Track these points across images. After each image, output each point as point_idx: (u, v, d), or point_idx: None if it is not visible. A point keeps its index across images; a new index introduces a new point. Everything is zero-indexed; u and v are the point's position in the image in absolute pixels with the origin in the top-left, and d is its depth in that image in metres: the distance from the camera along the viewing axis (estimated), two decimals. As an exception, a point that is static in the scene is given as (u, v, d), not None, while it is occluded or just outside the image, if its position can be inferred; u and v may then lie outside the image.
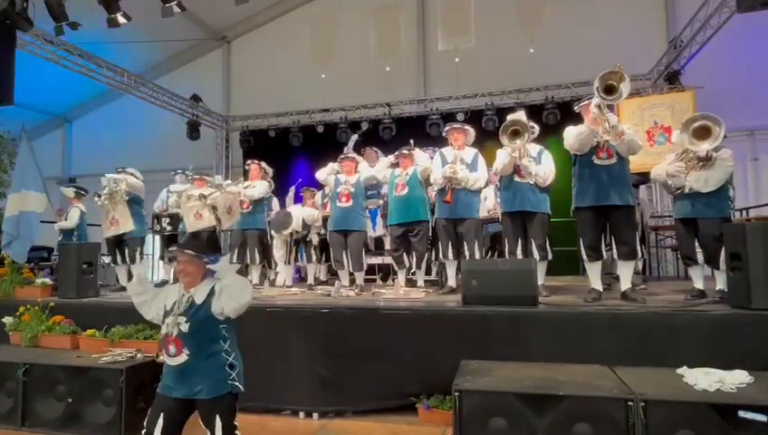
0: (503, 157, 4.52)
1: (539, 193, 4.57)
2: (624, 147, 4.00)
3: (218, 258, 2.71)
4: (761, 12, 5.32)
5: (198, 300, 2.63)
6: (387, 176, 5.62)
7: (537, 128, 4.84)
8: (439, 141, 5.03)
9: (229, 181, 6.23)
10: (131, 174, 6.29)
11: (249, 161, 6.65)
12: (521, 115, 4.54)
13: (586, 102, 4.22)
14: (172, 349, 2.59)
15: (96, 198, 6.04)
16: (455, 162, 4.87)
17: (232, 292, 2.60)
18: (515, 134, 4.33)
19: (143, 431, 2.61)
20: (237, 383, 2.66)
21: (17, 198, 6.06)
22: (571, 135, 4.08)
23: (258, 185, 6.11)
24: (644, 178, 6.09)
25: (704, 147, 3.88)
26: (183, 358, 2.58)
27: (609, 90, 3.71)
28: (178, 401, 2.59)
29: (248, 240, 6.09)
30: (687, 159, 4.07)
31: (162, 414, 2.59)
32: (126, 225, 5.93)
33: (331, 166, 5.79)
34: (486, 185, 6.31)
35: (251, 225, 6.11)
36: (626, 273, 4.14)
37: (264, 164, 6.45)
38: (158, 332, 3.79)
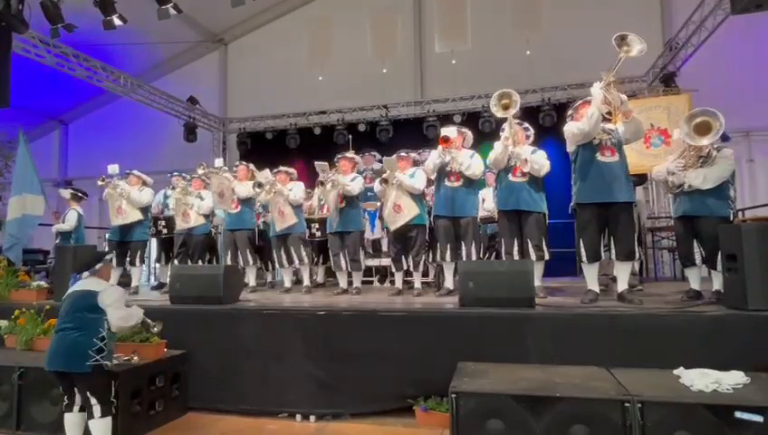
0: (496, 148, 4.54)
1: (534, 193, 4.58)
2: (632, 127, 4.05)
3: (77, 277, 3.46)
4: (756, 13, 5.34)
5: None
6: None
7: (532, 131, 4.84)
8: (437, 144, 5.02)
9: (226, 168, 6.24)
10: (138, 177, 6.30)
11: (237, 162, 6.66)
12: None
13: (581, 102, 4.24)
14: None
15: (100, 181, 6.04)
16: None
17: None
18: (506, 108, 4.40)
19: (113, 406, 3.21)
20: None
21: (18, 202, 6.07)
22: (580, 122, 4.07)
23: (246, 184, 6.10)
24: (640, 179, 6.11)
25: (704, 142, 3.91)
26: None
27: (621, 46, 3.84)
28: None
29: (237, 241, 6.07)
30: (688, 157, 4.09)
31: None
32: (132, 214, 5.96)
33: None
34: (484, 185, 6.35)
35: (240, 225, 6.10)
36: (623, 274, 4.15)
37: (252, 166, 6.43)
38: (153, 335, 3.82)
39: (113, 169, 6.11)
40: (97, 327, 3.18)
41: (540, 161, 4.54)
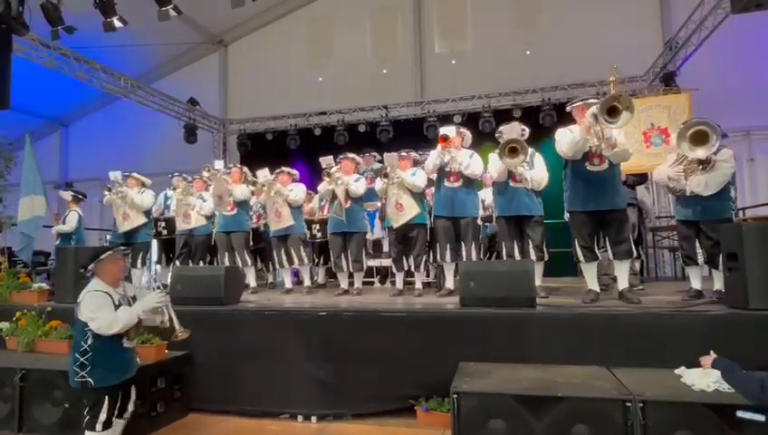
0: (498, 165, 4.53)
1: (534, 197, 4.61)
2: (615, 158, 4.03)
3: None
4: (755, 13, 5.35)
5: (130, 293, 3.31)
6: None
7: (527, 130, 4.83)
8: (437, 144, 5.02)
9: (225, 170, 6.24)
10: (137, 179, 6.31)
11: (231, 165, 6.66)
12: (514, 128, 4.52)
13: (580, 104, 4.21)
14: (133, 334, 3.21)
15: (106, 191, 6.05)
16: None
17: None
18: (513, 151, 4.32)
19: (100, 423, 3.01)
20: None
21: (28, 203, 6.10)
22: (565, 142, 4.07)
23: (241, 187, 6.10)
24: (641, 178, 6.11)
25: (699, 153, 3.87)
26: (136, 340, 3.28)
27: (612, 111, 3.63)
28: (126, 382, 3.16)
29: (234, 243, 6.07)
30: (687, 163, 4.06)
31: (119, 400, 3.12)
32: (137, 218, 5.98)
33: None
34: (481, 186, 6.34)
35: (236, 227, 6.08)
36: (623, 273, 4.17)
37: (245, 169, 6.42)
38: (154, 336, 3.81)
39: (115, 175, 6.11)
40: (79, 341, 3.04)
41: (539, 177, 4.57)
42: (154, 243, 6.89)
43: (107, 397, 3.04)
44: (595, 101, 4.06)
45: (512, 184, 4.58)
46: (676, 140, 3.99)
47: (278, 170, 6.07)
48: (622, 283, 4.15)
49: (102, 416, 3.03)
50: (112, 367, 3.06)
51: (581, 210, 4.11)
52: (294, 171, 6.21)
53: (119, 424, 3.19)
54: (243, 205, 6.15)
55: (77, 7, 6.43)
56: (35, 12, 5.85)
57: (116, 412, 3.11)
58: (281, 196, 5.74)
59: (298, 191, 5.91)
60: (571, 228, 4.27)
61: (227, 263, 5.98)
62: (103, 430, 3.04)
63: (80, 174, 12.31)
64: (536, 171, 4.57)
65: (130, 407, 3.27)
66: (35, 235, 6.33)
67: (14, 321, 4.61)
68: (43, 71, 8.07)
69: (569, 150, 4.04)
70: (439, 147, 4.85)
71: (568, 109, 4.42)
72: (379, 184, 5.38)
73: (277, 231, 5.83)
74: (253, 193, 6.19)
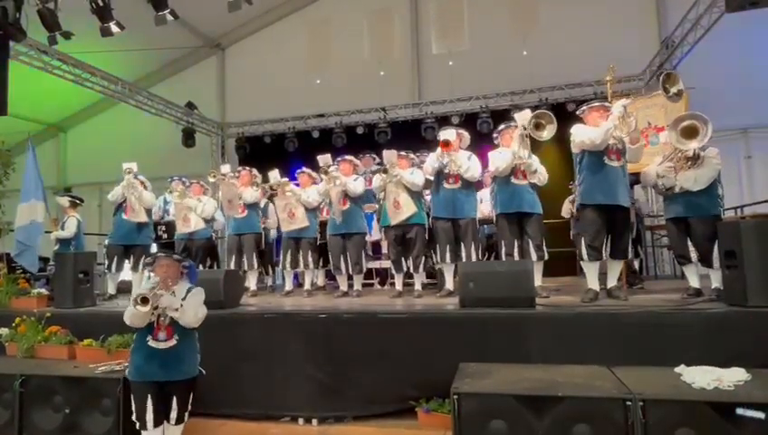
0: (506, 157, 4.53)
1: (535, 194, 4.64)
2: (633, 153, 4.13)
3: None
4: (751, 11, 5.37)
5: (179, 295, 3.20)
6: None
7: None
8: (435, 145, 5.03)
9: (232, 174, 6.25)
10: (142, 182, 6.32)
11: (240, 168, 6.67)
12: (526, 114, 4.49)
13: (597, 104, 4.28)
14: (162, 335, 3.13)
15: (127, 174, 6.00)
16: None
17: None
18: (538, 127, 4.34)
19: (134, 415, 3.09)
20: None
21: (27, 209, 6.10)
22: (592, 130, 4.12)
23: (250, 189, 6.13)
24: (638, 178, 6.13)
25: (692, 145, 3.96)
26: (173, 342, 3.15)
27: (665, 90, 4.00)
28: (157, 384, 3.10)
29: (244, 244, 6.08)
30: (676, 159, 4.14)
31: (150, 403, 3.07)
32: (141, 214, 5.97)
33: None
34: (481, 187, 6.34)
35: (247, 229, 6.11)
36: (615, 270, 4.32)
37: (254, 171, 6.44)
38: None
39: (130, 166, 6.07)
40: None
41: (544, 172, 4.64)
42: (154, 247, 6.87)
43: (132, 393, 3.17)
44: (609, 104, 4.27)
45: (514, 181, 4.59)
46: (668, 132, 4.06)
47: (299, 171, 6.14)
48: (611, 280, 4.26)
49: (133, 408, 3.14)
50: (138, 363, 3.16)
51: (596, 203, 4.13)
52: (315, 174, 6.20)
53: (170, 429, 3.18)
54: (253, 207, 6.20)
55: (74, 13, 6.43)
56: (32, 18, 5.85)
57: (148, 416, 3.11)
58: (294, 196, 5.75)
59: (312, 192, 5.91)
60: (580, 224, 4.32)
61: (233, 265, 5.99)
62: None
63: (79, 179, 12.30)
64: (541, 167, 4.64)
65: (173, 414, 3.15)
66: (35, 241, 6.28)
67: (13, 327, 4.60)
68: (41, 76, 8.07)
69: (598, 139, 4.04)
70: (439, 149, 4.85)
71: (580, 112, 4.48)
72: (377, 180, 5.36)
73: (290, 232, 5.83)
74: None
